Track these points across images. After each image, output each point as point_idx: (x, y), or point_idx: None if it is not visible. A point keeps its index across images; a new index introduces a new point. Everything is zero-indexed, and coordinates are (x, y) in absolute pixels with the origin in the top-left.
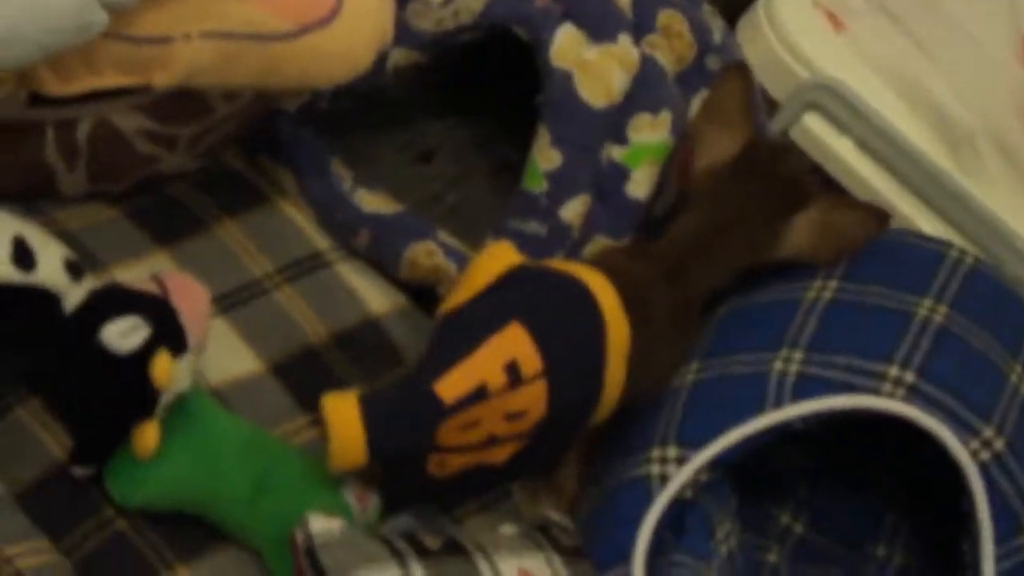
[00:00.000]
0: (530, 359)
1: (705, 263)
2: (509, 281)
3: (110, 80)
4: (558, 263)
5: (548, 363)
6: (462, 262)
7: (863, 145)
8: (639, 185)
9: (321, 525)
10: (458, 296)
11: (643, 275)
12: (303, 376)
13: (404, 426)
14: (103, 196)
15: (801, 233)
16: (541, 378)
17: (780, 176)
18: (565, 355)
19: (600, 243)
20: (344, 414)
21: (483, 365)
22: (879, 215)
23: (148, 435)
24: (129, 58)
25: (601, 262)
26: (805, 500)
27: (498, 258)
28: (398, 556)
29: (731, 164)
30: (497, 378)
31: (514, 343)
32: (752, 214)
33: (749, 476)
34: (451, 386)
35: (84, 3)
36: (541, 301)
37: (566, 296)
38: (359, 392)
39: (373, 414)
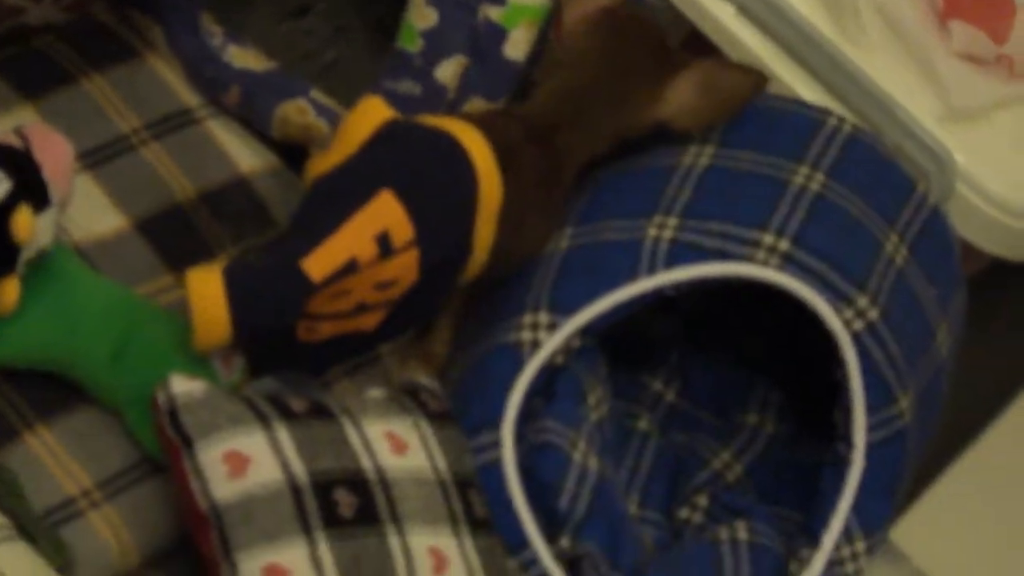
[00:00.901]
0: (402, 228)
1: (574, 126)
2: (380, 140)
3: None
4: (430, 118)
5: (420, 230)
6: (335, 121)
7: (744, 10)
8: (516, 46)
9: (183, 386)
10: (329, 157)
11: (513, 134)
12: (169, 235)
13: (269, 305)
14: None
15: (679, 95)
16: (413, 246)
17: (649, 38)
18: (437, 219)
19: (476, 105)
20: (208, 291)
21: (353, 239)
22: (757, 77)
23: (8, 290)
24: None
25: (472, 118)
26: (677, 367)
27: (369, 115)
28: (263, 418)
29: (595, 25)
30: (368, 250)
31: (385, 213)
32: (623, 76)
33: (621, 343)
34: (320, 262)
35: None
36: (413, 164)
37: (438, 154)
38: (224, 266)
39: (238, 292)
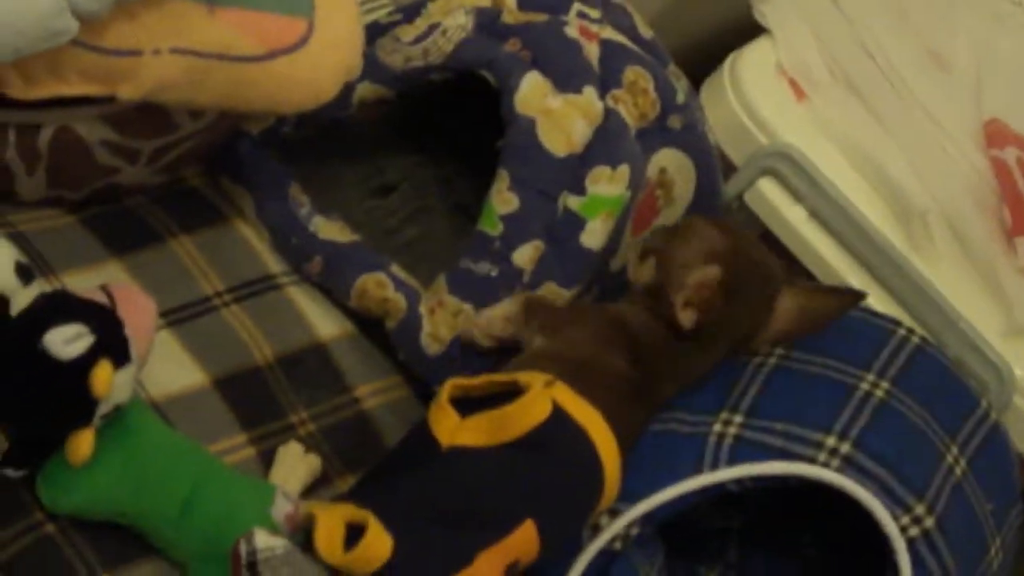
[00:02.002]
0: (531, 553)
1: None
2: (533, 447)
3: (75, 88)
4: (573, 406)
5: (545, 548)
6: (412, 296)
7: (815, 214)
8: (593, 236)
9: (266, 541)
10: (478, 431)
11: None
12: (245, 395)
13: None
14: (60, 202)
15: (781, 320)
16: (535, 556)
17: (758, 272)
18: (564, 534)
19: (550, 289)
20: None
21: (488, 568)
22: (854, 298)
23: (83, 443)
24: (97, 68)
25: (605, 404)
26: (734, 563)
27: (534, 412)
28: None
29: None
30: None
31: (523, 542)
32: (736, 315)
33: (680, 533)
34: None
35: (55, 10)
36: (556, 487)
37: (579, 470)
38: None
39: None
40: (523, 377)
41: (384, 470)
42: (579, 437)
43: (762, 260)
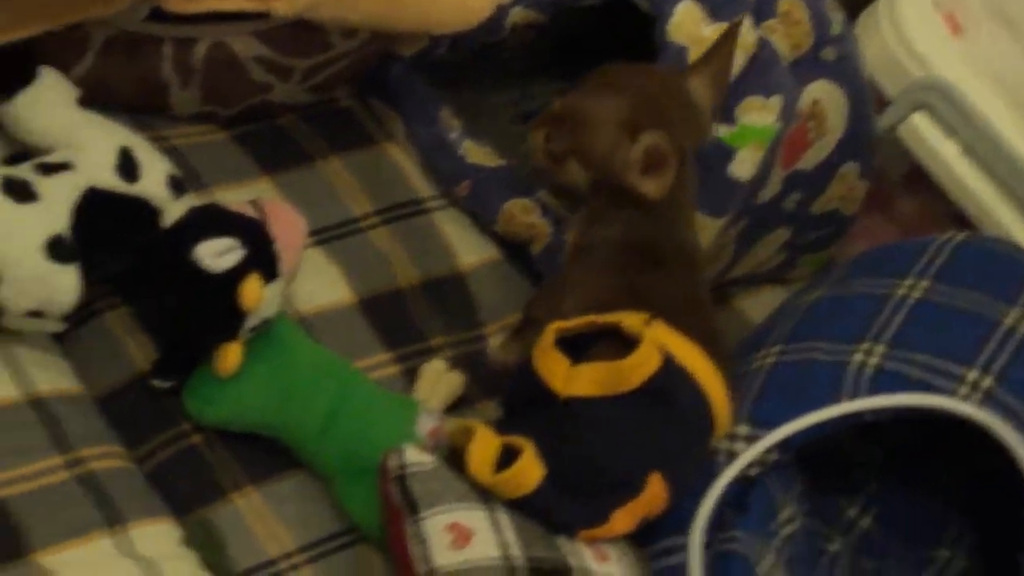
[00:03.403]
0: (661, 504)
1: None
2: (651, 399)
3: (232, 3)
4: (677, 348)
5: (673, 493)
6: (558, 222)
7: (968, 150)
8: (742, 166)
9: (415, 456)
10: (593, 381)
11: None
12: (388, 315)
13: (557, 520)
14: (213, 118)
15: (706, 101)
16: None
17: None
18: (688, 478)
19: (698, 218)
20: (530, 473)
21: (624, 524)
22: (734, 27)
23: (230, 356)
24: None
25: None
26: (875, 495)
27: (646, 364)
28: (486, 499)
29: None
30: (632, 527)
31: (653, 496)
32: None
33: (821, 464)
34: (595, 536)
35: None
36: (677, 436)
37: (694, 423)
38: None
39: (545, 492)
40: (625, 320)
41: (507, 418)
42: (690, 383)
43: (663, 81)
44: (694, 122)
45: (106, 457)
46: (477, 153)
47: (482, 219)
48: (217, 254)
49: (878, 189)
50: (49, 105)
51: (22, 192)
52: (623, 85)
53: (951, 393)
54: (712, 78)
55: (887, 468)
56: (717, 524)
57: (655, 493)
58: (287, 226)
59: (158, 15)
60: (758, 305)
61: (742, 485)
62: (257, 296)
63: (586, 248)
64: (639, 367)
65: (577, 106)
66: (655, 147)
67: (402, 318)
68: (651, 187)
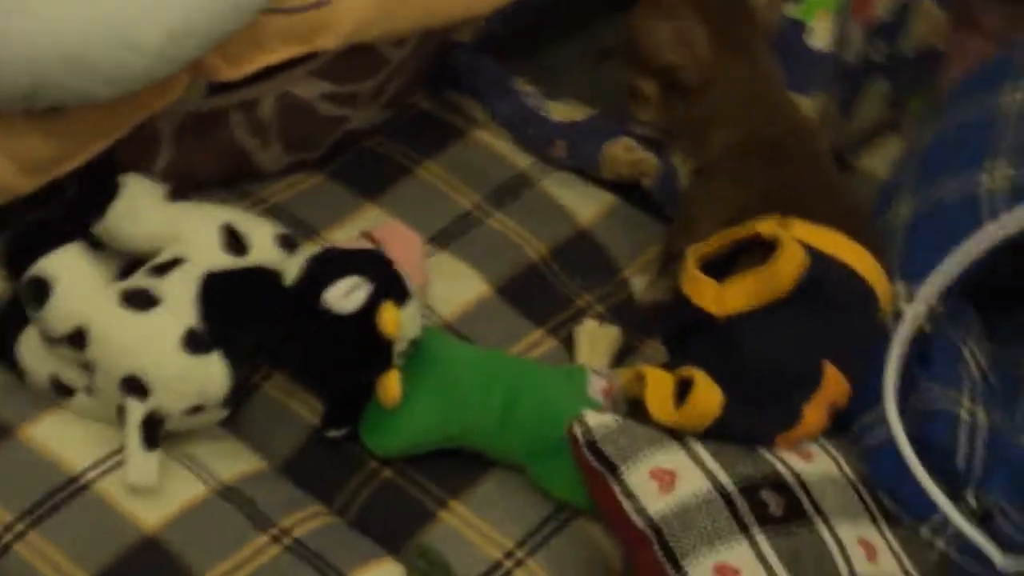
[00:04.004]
0: (844, 390)
1: None
2: (807, 296)
3: (280, 54)
4: (817, 238)
5: (853, 378)
6: (660, 150)
7: None
8: (818, 36)
9: (597, 420)
10: (748, 293)
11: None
12: (529, 292)
13: (744, 433)
14: (303, 165)
15: None
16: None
17: None
18: (864, 359)
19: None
20: (710, 398)
21: (817, 418)
22: None
23: (391, 385)
24: (293, 28)
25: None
26: None
27: (793, 262)
28: (677, 436)
29: None
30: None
31: (833, 386)
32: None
33: (992, 297)
34: (788, 442)
35: None
36: (842, 329)
37: (855, 307)
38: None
39: (730, 415)
40: (761, 226)
41: (672, 353)
42: (840, 269)
43: None
44: (745, 11)
45: (309, 520)
46: (561, 110)
47: (587, 171)
48: (345, 295)
49: (960, 11)
50: (141, 210)
51: (143, 300)
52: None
53: None
54: None
55: None
56: (908, 387)
57: (834, 381)
58: (403, 244)
59: (216, 88)
60: (882, 160)
61: (920, 342)
62: (396, 322)
63: (703, 167)
64: (786, 268)
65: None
66: (678, 27)
67: (542, 291)
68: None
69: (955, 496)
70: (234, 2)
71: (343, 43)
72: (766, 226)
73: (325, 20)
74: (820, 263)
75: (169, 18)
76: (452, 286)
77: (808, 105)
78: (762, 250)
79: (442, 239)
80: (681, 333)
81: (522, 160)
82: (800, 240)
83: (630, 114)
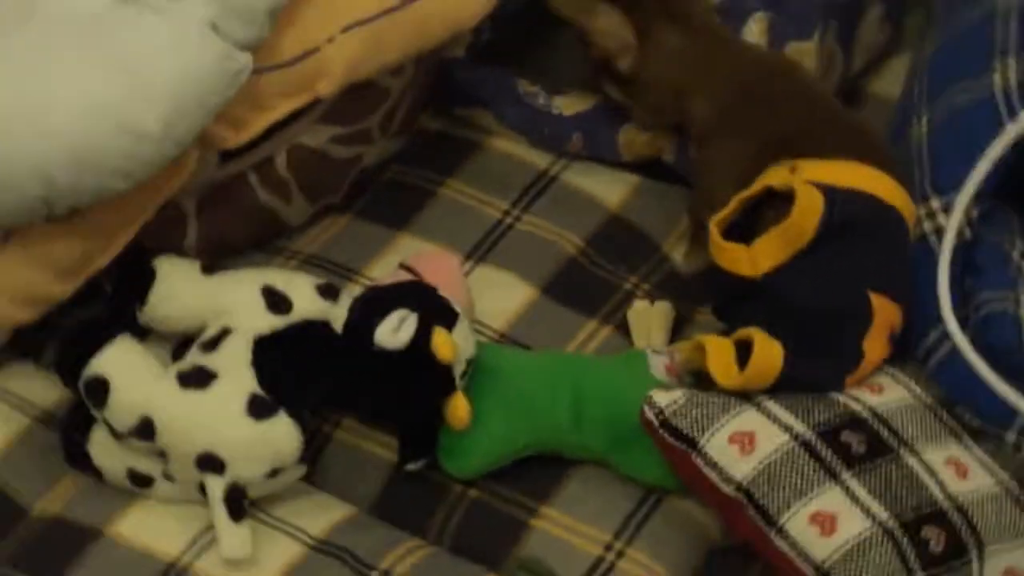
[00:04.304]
0: (897, 315)
1: None
2: (834, 234)
3: (281, 109)
4: (827, 173)
5: (903, 302)
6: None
7: None
8: None
9: (666, 398)
10: (778, 249)
11: None
12: (575, 286)
13: (812, 383)
14: (328, 210)
15: None
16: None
17: None
18: (907, 280)
19: (794, 47)
20: (771, 353)
21: (878, 349)
22: None
23: (458, 408)
24: (289, 82)
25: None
26: None
27: (812, 208)
28: (745, 397)
29: None
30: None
31: (887, 314)
32: None
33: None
34: (858, 377)
35: (223, 55)
36: (877, 256)
37: (883, 231)
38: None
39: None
40: (771, 179)
41: (724, 319)
42: (861, 198)
43: None
44: None
45: (408, 555)
46: (570, 104)
47: (607, 158)
48: (394, 331)
49: None
50: (180, 291)
51: (201, 378)
52: None
53: None
54: None
55: None
56: (962, 298)
57: (885, 309)
58: (441, 268)
59: (228, 155)
60: (890, 83)
61: (965, 250)
62: (449, 346)
63: (702, 136)
64: (806, 216)
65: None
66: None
67: (586, 282)
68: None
69: None
70: (222, 70)
71: (340, 86)
72: (776, 177)
73: (318, 67)
74: (838, 198)
75: (163, 98)
76: (498, 297)
77: (811, 48)
78: (782, 199)
79: (479, 253)
80: (727, 300)
81: (540, 159)
82: (813, 181)
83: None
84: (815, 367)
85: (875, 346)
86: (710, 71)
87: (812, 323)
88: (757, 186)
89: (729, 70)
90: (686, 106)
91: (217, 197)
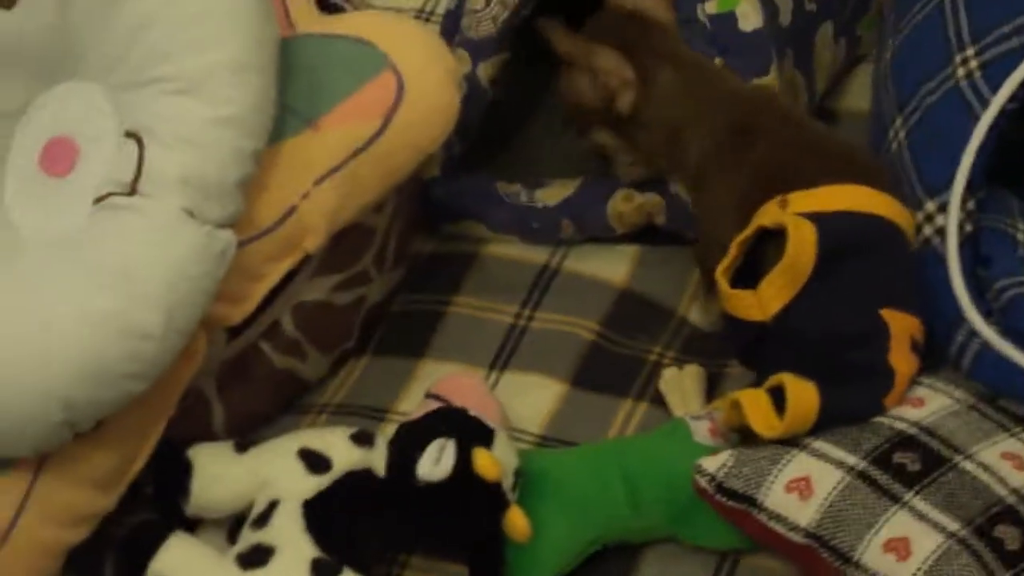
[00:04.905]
0: (915, 323)
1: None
2: (834, 258)
3: (275, 275)
4: (816, 201)
5: (916, 310)
6: (660, 187)
7: None
8: (748, 18)
9: (714, 463)
10: (783, 288)
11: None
12: (602, 370)
13: (851, 417)
14: (345, 356)
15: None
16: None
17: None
18: (913, 286)
19: (756, 82)
20: (807, 398)
21: (905, 363)
22: None
23: (517, 522)
24: (276, 247)
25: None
26: None
27: (806, 239)
28: (791, 442)
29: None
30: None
31: (904, 325)
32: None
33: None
34: (896, 398)
35: (206, 238)
36: (881, 273)
37: (883, 246)
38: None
39: (830, 407)
40: (763, 218)
41: (752, 367)
42: (854, 218)
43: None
44: (644, 22)
45: None
46: (552, 193)
47: (602, 235)
48: (435, 462)
49: None
50: (220, 476)
51: (260, 556)
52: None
53: None
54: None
55: None
56: (979, 292)
57: (901, 322)
58: (465, 388)
59: (235, 330)
60: (859, 96)
61: (971, 244)
62: (493, 464)
63: (695, 180)
64: (801, 248)
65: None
66: (605, 70)
67: (612, 364)
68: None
69: None
70: (208, 253)
71: (326, 237)
72: (768, 216)
73: (300, 225)
74: (830, 224)
75: (158, 295)
76: (529, 400)
77: (771, 82)
78: (781, 234)
79: (500, 361)
80: (749, 348)
81: (538, 255)
82: (803, 212)
83: (612, 174)
84: (851, 396)
85: (901, 360)
86: (703, 108)
87: (834, 353)
88: (751, 227)
89: (720, 106)
90: (682, 144)
91: (234, 373)
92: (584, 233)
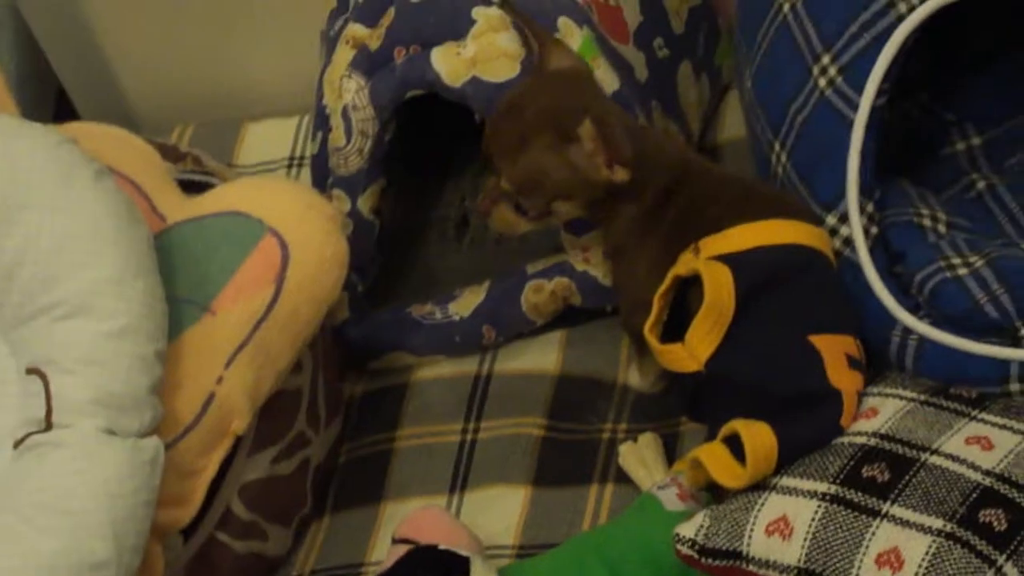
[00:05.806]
0: (849, 342)
1: None
2: (756, 290)
3: (212, 467)
4: (728, 243)
5: (850, 329)
6: (566, 269)
7: None
8: (605, 81)
9: (690, 528)
10: (711, 331)
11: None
12: (558, 466)
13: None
14: (306, 521)
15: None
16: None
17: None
18: (842, 309)
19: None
20: (763, 440)
21: (845, 380)
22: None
23: None
24: (204, 439)
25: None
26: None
27: (720, 277)
28: (759, 487)
29: None
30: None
31: (835, 345)
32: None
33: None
34: (848, 416)
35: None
36: (804, 298)
37: (804, 264)
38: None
39: (786, 444)
40: (679, 268)
41: (701, 421)
42: (766, 252)
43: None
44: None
45: None
46: (465, 303)
47: (524, 330)
48: None
49: None
50: None
51: None
52: (527, 113)
53: None
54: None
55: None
56: (904, 290)
57: (831, 344)
58: (430, 523)
59: (188, 530)
60: (735, 124)
61: (882, 244)
62: None
63: (616, 247)
64: (718, 291)
65: (519, 165)
66: (598, 131)
67: (568, 454)
68: (618, 173)
69: (1014, 340)
70: (138, 464)
71: (251, 414)
72: (682, 265)
73: (222, 410)
74: (743, 262)
75: (101, 522)
76: (497, 514)
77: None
78: (700, 283)
79: (458, 483)
80: (693, 401)
81: (468, 367)
82: (716, 255)
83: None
84: (805, 426)
85: (842, 378)
86: (644, 176)
87: (774, 389)
88: (668, 279)
89: (654, 173)
90: (617, 209)
91: (199, 571)
92: (506, 333)
